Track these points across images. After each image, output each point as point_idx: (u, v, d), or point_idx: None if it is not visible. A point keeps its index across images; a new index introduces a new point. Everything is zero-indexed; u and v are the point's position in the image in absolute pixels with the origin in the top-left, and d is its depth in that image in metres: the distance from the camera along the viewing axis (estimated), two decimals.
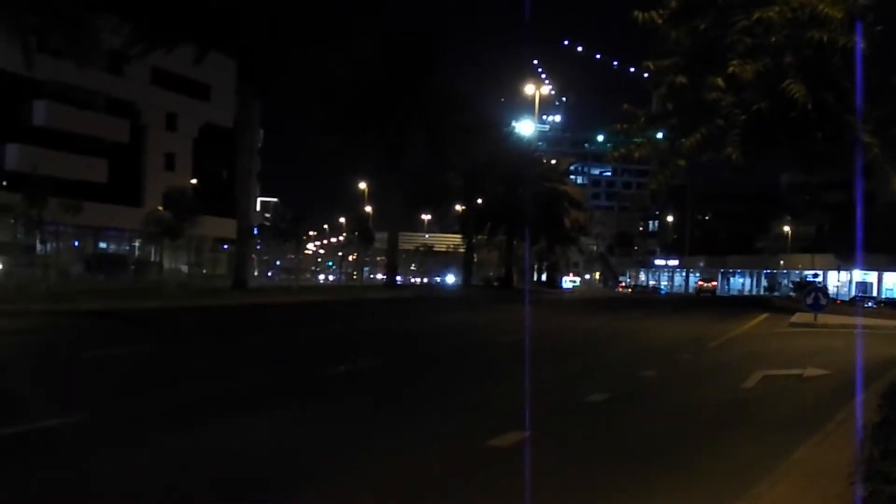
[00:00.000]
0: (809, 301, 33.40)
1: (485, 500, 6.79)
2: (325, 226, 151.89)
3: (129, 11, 40.18)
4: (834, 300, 50.98)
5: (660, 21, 13.73)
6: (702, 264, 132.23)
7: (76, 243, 62.32)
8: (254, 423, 9.66)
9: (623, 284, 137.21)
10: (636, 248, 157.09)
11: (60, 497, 6.52)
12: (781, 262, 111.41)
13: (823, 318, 31.84)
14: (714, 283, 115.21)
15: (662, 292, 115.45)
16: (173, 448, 8.26)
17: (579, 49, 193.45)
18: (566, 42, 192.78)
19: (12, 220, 48.24)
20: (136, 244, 68.54)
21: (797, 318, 33.61)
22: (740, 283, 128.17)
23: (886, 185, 37.35)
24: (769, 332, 29.55)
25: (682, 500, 6.93)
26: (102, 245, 69.55)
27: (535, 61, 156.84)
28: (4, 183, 56.01)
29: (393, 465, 7.77)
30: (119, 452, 7.99)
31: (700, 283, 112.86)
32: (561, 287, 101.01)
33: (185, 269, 59.01)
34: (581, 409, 11.25)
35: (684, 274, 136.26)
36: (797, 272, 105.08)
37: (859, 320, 32.14)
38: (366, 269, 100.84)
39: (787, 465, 7.75)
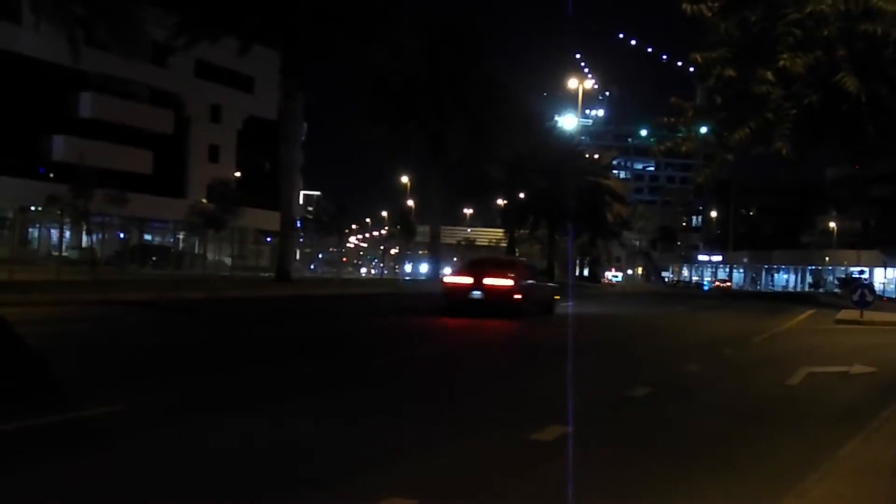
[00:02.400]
0: (856, 297, 33.06)
1: (529, 494, 6.75)
2: (367, 219, 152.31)
3: (175, 3, 40.55)
4: (880, 297, 50.40)
5: (709, 13, 13.55)
6: (745, 260, 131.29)
7: (121, 235, 62.95)
8: (295, 409, 9.70)
9: (667, 279, 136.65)
10: (679, 243, 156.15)
11: (110, 482, 6.58)
12: (826, 258, 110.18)
13: (870, 314, 31.50)
14: (729, 283, 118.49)
15: (705, 288, 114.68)
16: (224, 432, 8.32)
17: (633, 42, 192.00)
18: (621, 35, 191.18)
19: (59, 211, 48.76)
20: (180, 236, 69.15)
21: (843, 314, 33.31)
22: (784, 279, 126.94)
23: None
24: (814, 328, 29.29)
25: (727, 497, 6.86)
26: (147, 236, 70.22)
27: (578, 55, 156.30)
28: (51, 174, 56.66)
29: (436, 456, 7.77)
30: (158, 437, 8.06)
31: (717, 283, 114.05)
32: (602, 281, 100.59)
33: (228, 260, 59.38)
34: (624, 403, 11.19)
35: (728, 270, 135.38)
36: (843, 268, 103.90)
37: None
38: (407, 262, 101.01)
39: (833, 461, 7.67)
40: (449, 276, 33.39)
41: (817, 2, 10.06)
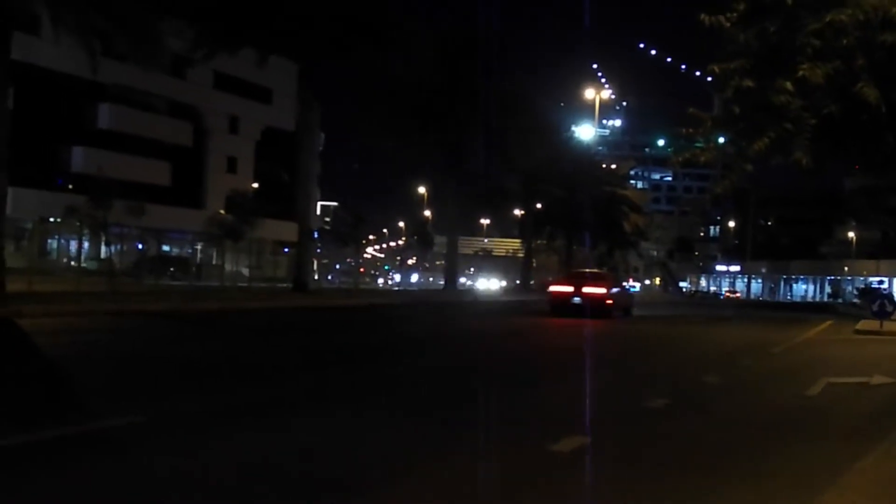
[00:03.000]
0: (875, 308, 32.87)
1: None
2: (385, 230, 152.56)
3: (194, 15, 40.68)
4: None
5: (727, 23, 13.54)
6: (763, 270, 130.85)
7: (140, 246, 63.18)
8: (313, 423, 9.71)
9: (684, 290, 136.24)
10: (696, 253, 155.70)
11: (126, 495, 6.59)
12: (846, 269, 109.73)
13: (890, 325, 31.27)
14: (739, 294, 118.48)
15: (722, 298, 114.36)
16: (242, 445, 8.33)
17: (652, 52, 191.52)
18: (641, 45, 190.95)
19: (78, 222, 48.98)
20: (198, 246, 69.33)
21: (862, 325, 33.09)
22: (803, 289, 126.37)
23: None
24: (833, 338, 29.15)
25: None
26: (165, 247, 70.42)
27: (595, 65, 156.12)
28: (70, 185, 56.98)
29: (453, 467, 7.75)
30: (178, 448, 8.08)
31: (727, 293, 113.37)
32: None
33: (245, 271, 59.50)
34: (642, 414, 11.15)
35: (746, 280, 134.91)
36: (862, 278, 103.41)
37: None
38: (416, 272, 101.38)
39: (854, 473, 7.62)
40: (553, 285, 39.29)
41: (836, 12, 10.05)
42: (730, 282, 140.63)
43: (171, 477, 7.13)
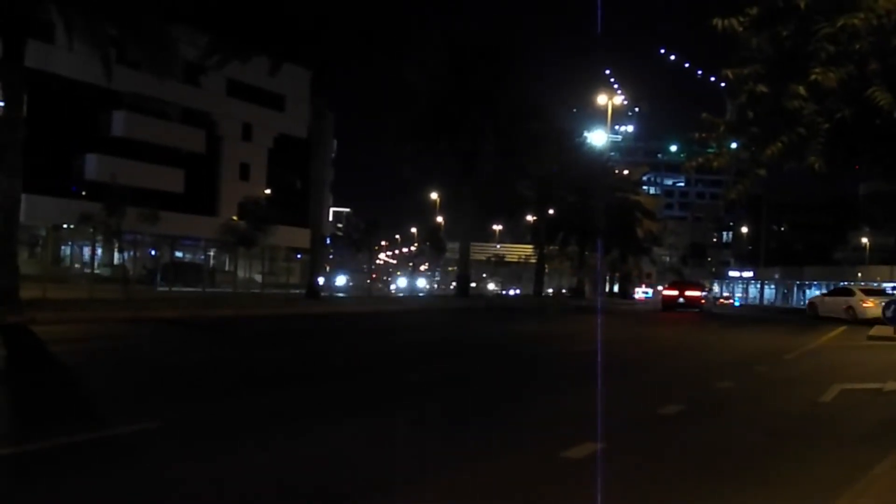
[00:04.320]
0: (889, 314, 32.81)
1: None
2: (397, 236, 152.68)
3: (207, 23, 40.82)
4: None
5: (740, 28, 13.45)
6: (777, 276, 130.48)
7: (153, 252, 63.36)
8: (327, 430, 9.72)
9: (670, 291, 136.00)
10: (709, 259, 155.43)
11: (140, 498, 6.61)
12: (859, 274, 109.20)
13: None
14: (731, 301, 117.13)
15: (737, 304, 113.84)
16: (251, 454, 8.35)
17: (671, 57, 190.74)
18: (662, 51, 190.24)
19: (91, 229, 49.09)
20: (211, 253, 69.50)
21: (876, 331, 32.93)
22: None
23: None
24: (847, 345, 29.02)
25: None
26: (178, 254, 70.59)
27: (608, 71, 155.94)
28: (84, 193, 57.19)
29: (465, 474, 7.77)
30: (191, 453, 8.09)
31: (721, 300, 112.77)
32: (632, 298, 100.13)
33: (258, 277, 59.59)
34: (655, 421, 11.13)
35: (759, 286, 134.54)
36: (876, 284, 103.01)
37: None
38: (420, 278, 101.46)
39: (868, 479, 7.60)
40: (664, 290, 64.59)
41: (849, 16, 9.95)
42: (743, 287, 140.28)
43: (180, 482, 7.15)
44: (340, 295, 62.51)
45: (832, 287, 72.10)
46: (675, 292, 59.54)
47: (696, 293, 60.29)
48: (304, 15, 40.18)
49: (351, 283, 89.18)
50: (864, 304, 47.44)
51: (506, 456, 8.69)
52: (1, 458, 7.72)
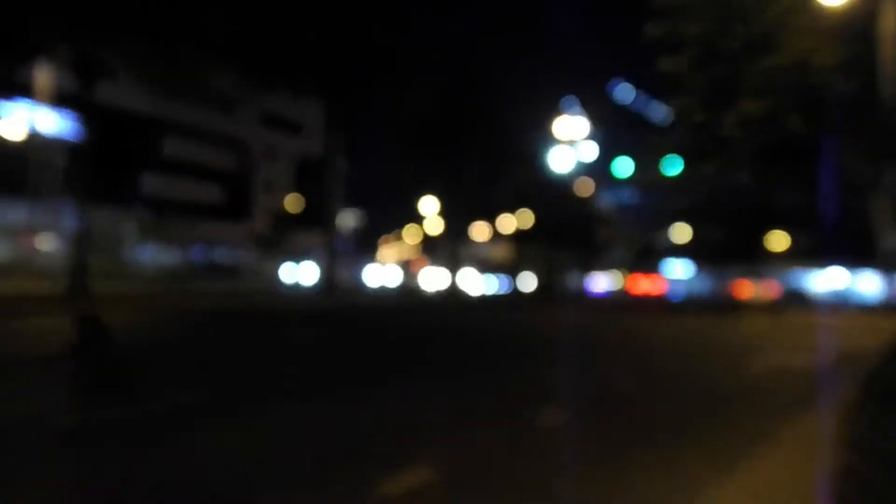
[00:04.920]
0: (806, 299, 33.25)
1: (536, 469, 6.86)
2: (396, 238, 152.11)
3: (239, 64, 41.04)
4: (820, 298, 50.23)
5: (683, 69, 13.64)
6: (710, 271, 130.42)
7: (195, 253, 63.34)
8: (345, 399, 9.84)
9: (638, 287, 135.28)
10: (655, 258, 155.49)
11: (204, 456, 6.73)
12: (782, 267, 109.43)
13: (812, 315, 31.49)
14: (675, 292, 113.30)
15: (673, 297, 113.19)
16: (290, 416, 8.47)
17: (626, 90, 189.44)
18: (623, 83, 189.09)
19: (146, 235, 49.19)
20: (244, 254, 69.40)
21: (789, 314, 33.18)
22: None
23: (859, 204, 37.05)
24: (765, 324, 29.18)
25: (696, 467, 6.95)
26: (216, 255, 70.49)
27: (572, 99, 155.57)
28: (140, 204, 57.23)
29: (450, 438, 7.90)
30: (237, 420, 8.21)
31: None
32: (591, 292, 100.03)
33: (283, 275, 59.56)
34: (611, 394, 11.26)
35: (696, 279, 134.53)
36: (791, 275, 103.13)
37: (838, 316, 31.66)
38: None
39: (782, 435, 7.77)
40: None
41: (770, 58, 10.14)
42: (686, 282, 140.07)
43: (226, 443, 7.28)
44: (354, 288, 62.53)
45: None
46: (645, 285, 65.22)
47: (658, 288, 65.29)
48: (316, 57, 40.51)
49: (361, 279, 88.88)
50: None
51: (488, 424, 8.82)
52: (72, 429, 7.83)
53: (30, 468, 6.27)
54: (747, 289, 54.47)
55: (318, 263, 53.19)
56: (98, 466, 6.35)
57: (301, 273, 59.10)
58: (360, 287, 61.67)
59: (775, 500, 5.22)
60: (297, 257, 65.64)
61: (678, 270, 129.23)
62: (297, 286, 54.44)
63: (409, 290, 62.09)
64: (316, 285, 51.17)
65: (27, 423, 7.70)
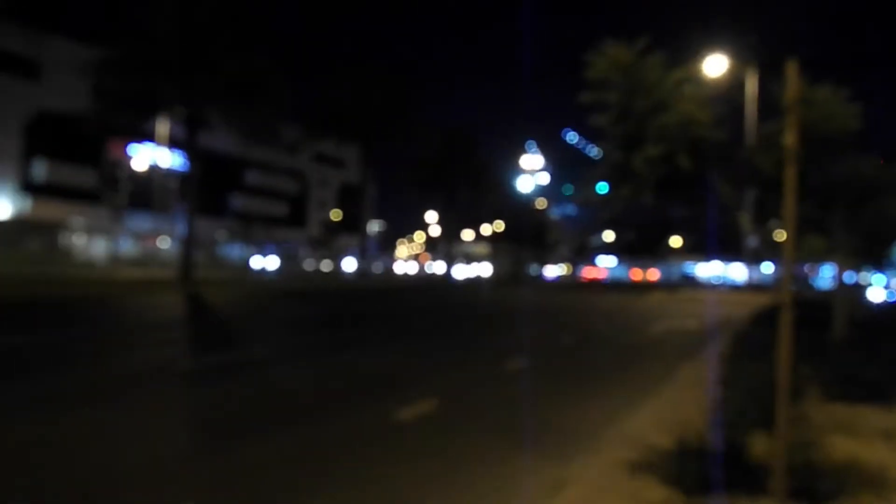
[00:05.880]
0: (696, 282, 33.26)
1: (504, 398, 6.89)
2: (409, 239, 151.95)
3: (302, 120, 41.30)
4: (705, 281, 50.27)
5: (606, 124, 13.74)
6: (627, 262, 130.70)
7: (269, 251, 63.28)
8: (374, 352, 9.86)
9: (588, 275, 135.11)
10: (589, 253, 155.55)
11: (271, 386, 6.75)
12: (675, 260, 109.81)
13: (695, 293, 31.50)
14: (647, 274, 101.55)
15: (606, 281, 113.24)
16: (330, 364, 8.49)
17: (569, 135, 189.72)
18: (568, 131, 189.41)
19: (234, 238, 49.00)
20: (303, 251, 69.32)
21: (681, 293, 33.21)
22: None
23: (729, 217, 37.25)
24: (665, 300, 29.22)
25: (618, 397, 7.00)
26: (271, 248, 70.34)
27: (534, 141, 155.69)
28: (230, 217, 57.20)
29: (445, 379, 7.93)
30: (297, 367, 8.23)
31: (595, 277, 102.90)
32: (545, 278, 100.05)
33: (329, 266, 59.49)
34: (559, 348, 11.31)
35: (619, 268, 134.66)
36: (684, 266, 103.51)
37: (716, 294, 31.73)
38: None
39: (677, 376, 7.80)
40: (584, 272, 59.77)
41: (665, 117, 10.34)
42: (609, 270, 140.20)
43: (291, 380, 7.31)
44: (379, 274, 62.48)
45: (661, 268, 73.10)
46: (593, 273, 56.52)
47: (599, 274, 57.05)
48: (358, 117, 40.87)
49: (381, 269, 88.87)
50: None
51: (467, 369, 8.84)
52: (187, 369, 7.86)
53: (164, 394, 6.35)
54: (638, 274, 57.66)
55: (356, 258, 53.18)
56: (205, 391, 6.43)
57: (344, 264, 59.16)
58: (386, 273, 61.76)
59: (675, 419, 5.27)
60: (340, 254, 65.66)
61: (606, 262, 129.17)
62: (339, 272, 54.36)
63: (423, 276, 62.07)
64: (353, 272, 51.15)
65: (157, 367, 7.74)
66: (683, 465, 3.75)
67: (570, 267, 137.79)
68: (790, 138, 3.91)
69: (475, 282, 54.65)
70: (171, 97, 23.08)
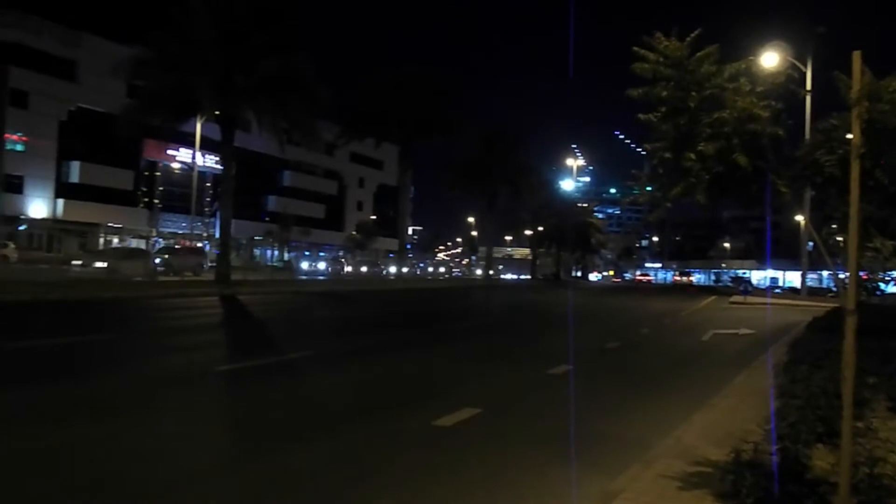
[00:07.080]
0: (742, 288, 33.18)
1: (548, 405, 6.82)
2: (449, 243, 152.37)
3: (339, 119, 41.68)
4: (757, 288, 49.12)
5: (654, 119, 13.53)
6: (674, 266, 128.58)
7: (307, 253, 64.02)
8: (416, 354, 9.87)
9: (628, 278, 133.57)
10: (634, 256, 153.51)
11: (311, 389, 6.80)
12: (723, 265, 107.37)
13: (751, 299, 30.98)
14: (691, 278, 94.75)
15: (654, 282, 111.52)
16: (374, 366, 8.53)
17: (618, 135, 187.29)
18: (617, 133, 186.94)
19: (271, 239, 49.77)
20: (341, 253, 70.04)
21: (734, 299, 32.64)
22: (698, 278, 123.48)
23: (789, 217, 36.30)
24: (717, 307, 28.66)
25: (668, 406, 6.87)
26: (321, 253, 71.20)
27: (575, 145, 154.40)
28: (267, 218, 58.06)
29: (487, 384, 7.89)
30: (332, 371, 8.28)
31: (676, 277, 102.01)
32: (589, 280, 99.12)
33: (365, 268, 59.92)
34: (603, 352, 11.18)
35: (664, 272, 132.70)
36: (733, 271, 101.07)
37: (771, 300, 31.07)
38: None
39: (730, 386, 7.63)
40: (637, 277, 62.21)
41: (720, 112, 10.10)
42: (654, 273, 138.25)
43: (328, 383, 7.36)
44: (419, 277, 62.76)
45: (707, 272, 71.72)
46: (647, 278, 63.57)
47: (648, 278, 65.68)
48: (396, 117, 41.06)
49: (420, 271, 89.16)
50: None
51: (511, 373, 8.79)
52: (225, 372, 7.98)
53: (205, 394, 6.50)
54: (680, 279, 57.56)
55: (395, 260, 53.47)
56: (243, 393, 6.54)
57: (383, 266, 59.70)
58: (425, 275, 61.81)
59: (729, 430, 5.14)
60: (379, 257, 66.18)
61: (652, 266, 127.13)
62: (379, 274, 54.74)
63: (463, 279, 62.05)
64: (393, 274, 51.46)
65: (197, 368, 7.90)
66: (739, 479, 3.64)
67: (614, 270, 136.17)
68: (855, 133, 3.78)
69: (516, 284, 54.42)
70: (207, 97, 23.44)
